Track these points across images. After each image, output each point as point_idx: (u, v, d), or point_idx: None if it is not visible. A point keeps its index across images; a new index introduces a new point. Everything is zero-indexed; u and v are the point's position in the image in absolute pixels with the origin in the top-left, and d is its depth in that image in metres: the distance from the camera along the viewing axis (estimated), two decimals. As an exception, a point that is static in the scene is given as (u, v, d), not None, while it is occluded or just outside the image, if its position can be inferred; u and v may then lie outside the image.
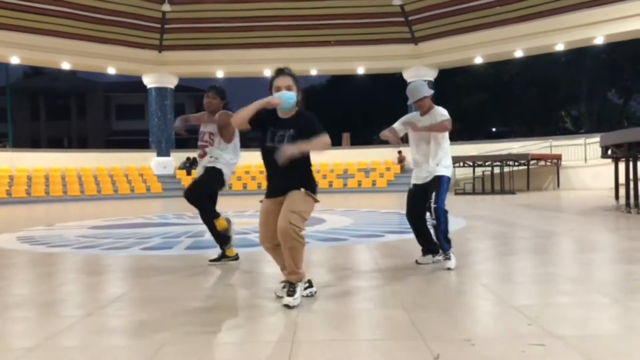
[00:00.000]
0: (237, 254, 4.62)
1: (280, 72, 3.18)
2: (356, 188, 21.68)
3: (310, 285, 3.27)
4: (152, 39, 22.64)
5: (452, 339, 2.38)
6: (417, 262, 4.31)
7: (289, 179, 3.13)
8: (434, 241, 4.23)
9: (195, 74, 24.95)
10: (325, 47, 22.75)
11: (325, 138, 3.03)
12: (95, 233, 7.49)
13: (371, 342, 2.41)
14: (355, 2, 21.04)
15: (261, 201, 3.27)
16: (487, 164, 17.52)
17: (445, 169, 4.13)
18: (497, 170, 17.59)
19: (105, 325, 2.78)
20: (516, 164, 18.03)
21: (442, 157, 4.14)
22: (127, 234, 7.25)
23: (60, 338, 2.55)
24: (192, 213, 8.96)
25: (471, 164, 18.01)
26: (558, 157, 19.22)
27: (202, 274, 4.17)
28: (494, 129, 40.37)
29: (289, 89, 3.12)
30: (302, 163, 3.13)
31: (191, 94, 39.81)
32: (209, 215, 4.41)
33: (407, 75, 23.43)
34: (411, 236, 4.51)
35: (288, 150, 2.93)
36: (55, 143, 38.33)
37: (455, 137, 32.02)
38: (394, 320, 2.73)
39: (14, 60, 20.97)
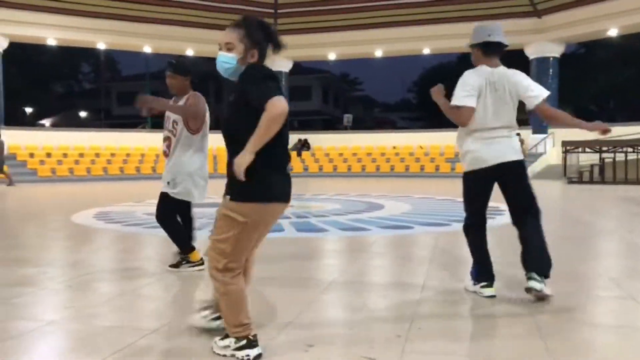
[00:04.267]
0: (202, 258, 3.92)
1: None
2: (448, 172, 20.84)
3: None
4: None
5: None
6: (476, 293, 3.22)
7: (229, 173, 2.15)
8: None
9: (308, 57, 25.48)
10: (435, 24, 21.90)
11: (269, 111, 1.99)
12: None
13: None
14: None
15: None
16: (610, 149, 15.64)
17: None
18: (626, 157, 15.61)
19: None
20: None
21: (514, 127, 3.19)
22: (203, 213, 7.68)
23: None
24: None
25: (596, 149, 15.95)
26: None
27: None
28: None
29: (228, 49, 2.18)
30: (242, 145, 2.06)
31: (317, 75, 40.41)
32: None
33: (529, 52, 21.89)
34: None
35: (238, 165, 2.04)
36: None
37: (592, 118, 28.72)
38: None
39: (147, 49, 23.13)
